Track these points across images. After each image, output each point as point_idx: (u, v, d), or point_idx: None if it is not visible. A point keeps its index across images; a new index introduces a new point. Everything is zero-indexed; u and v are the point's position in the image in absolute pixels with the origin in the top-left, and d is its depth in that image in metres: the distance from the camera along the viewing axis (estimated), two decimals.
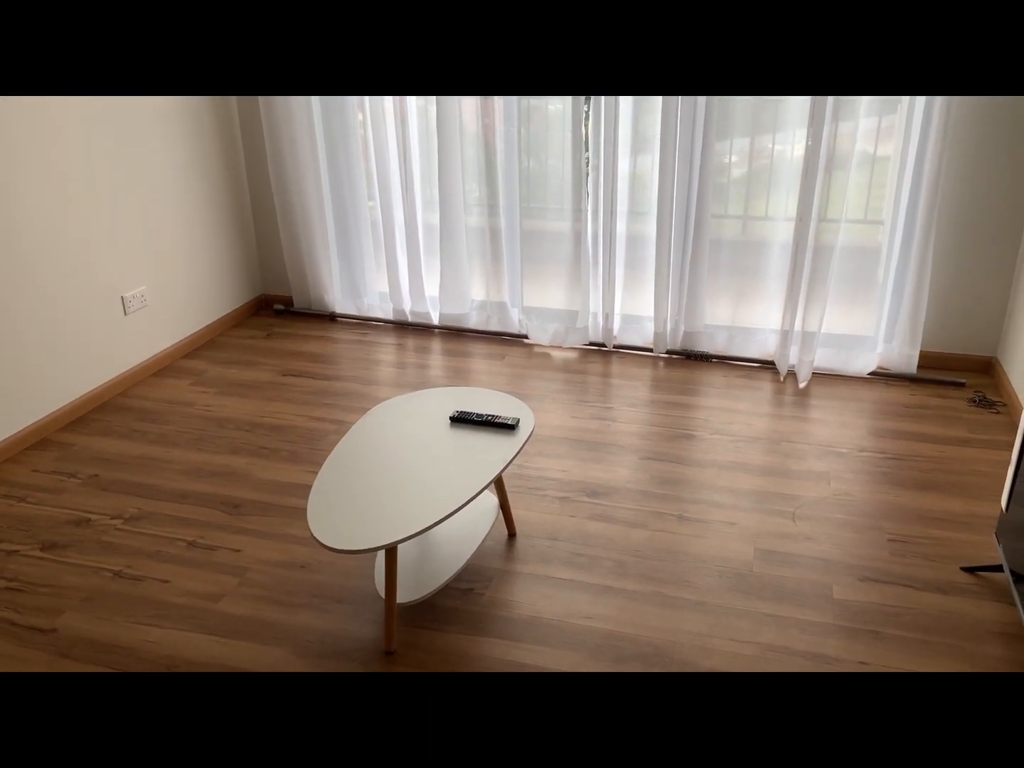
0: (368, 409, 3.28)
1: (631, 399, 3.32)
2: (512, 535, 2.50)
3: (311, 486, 2.76)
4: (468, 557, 2.24)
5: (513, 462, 2.12)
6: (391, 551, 1.96)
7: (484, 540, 2.35)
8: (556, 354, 3.74)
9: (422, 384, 3.47)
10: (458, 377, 3.53)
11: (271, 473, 2.87)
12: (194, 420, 3.23)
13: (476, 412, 2.35)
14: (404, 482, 2.04)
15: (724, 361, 3.64)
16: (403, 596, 2.11)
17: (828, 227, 3.27)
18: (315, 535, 1.85)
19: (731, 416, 3.18)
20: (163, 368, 3.66)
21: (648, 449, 2.96)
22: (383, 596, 2.14)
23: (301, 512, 2.65)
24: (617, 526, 2.54)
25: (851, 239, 3.40)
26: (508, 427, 2.28)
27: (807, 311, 3.39)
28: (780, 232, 3.44)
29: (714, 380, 3.47)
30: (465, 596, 2.26)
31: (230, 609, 2.24)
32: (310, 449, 3.01)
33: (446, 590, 2.29)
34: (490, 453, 2.16)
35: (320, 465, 2.91)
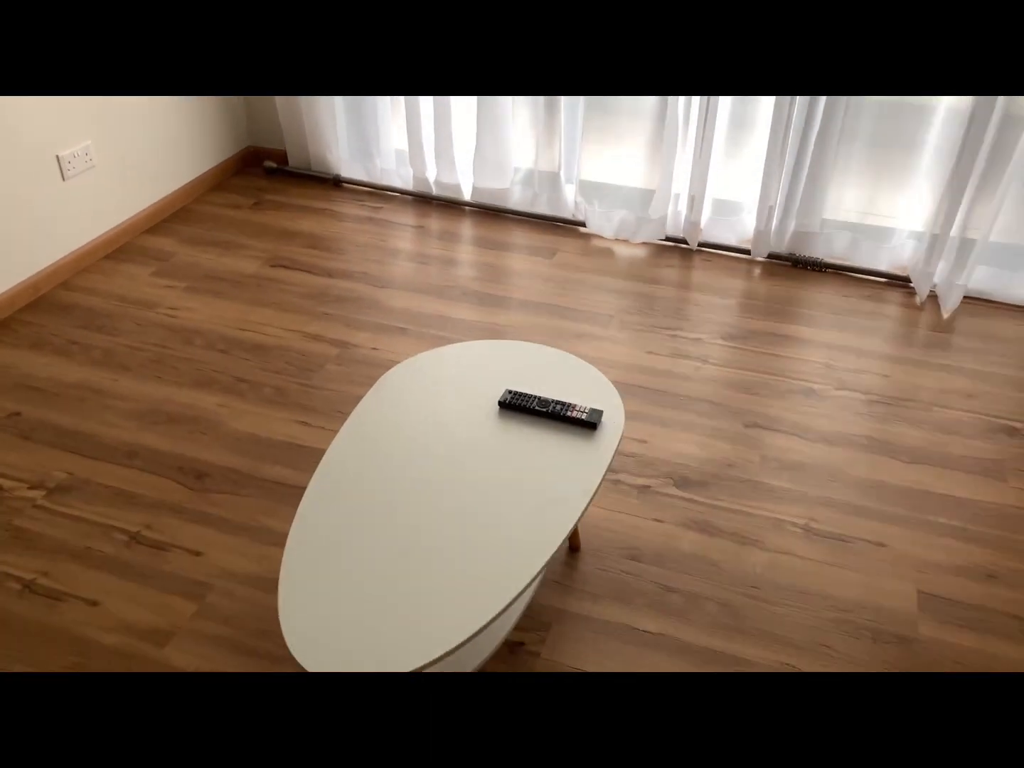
0: (378, 325, 2.50)
1: (723, 326, 2.53)
2: (575, 549, 1.81)
3: (298, 444, 2.04)
4: (520, 613, 1.56)
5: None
6: None
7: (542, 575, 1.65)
8: (622, 251, 2.91)
9: (446, 290, 2.68)
10: (494, 281, 2.73)
11: (249, 421, 2.14)
12: (153, 330, 2.47)
13: (537, 395, 1.59)
14: (426, 544, 1.31)
15: (841, 273, 2.81)
16: None
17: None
18: (291, 648, 1.14)
19: (859, 360, 2.40)
20: (119, 247, 2.86)
21: (753, 410, 2.20)
22: None
23: (285, 493, 1.94)
24: (722, 542, 1.83)
25: None
26: (585, 425, 1.53)
27: (972, 209, 2.52)
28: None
29: (830, 300, 2.66)
30: (513, 658, 1.59)
31: (180, 660, 1.59)
32: (302, 385, 2.27)
33: None
34: (560, 476, 1.42)
35: (314, 412, 2.17)
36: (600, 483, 1.42)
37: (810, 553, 1.81)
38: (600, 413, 1.54)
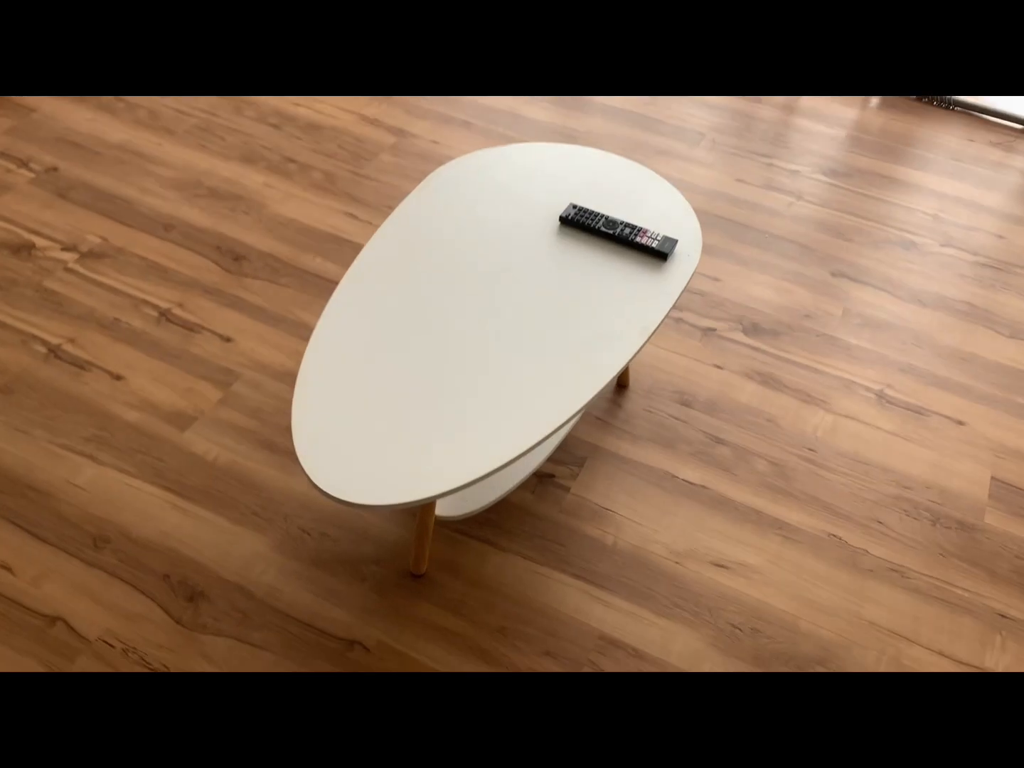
0: (441, 115, 2.28)
1: (826, 159, 2.25)
2: (623, 386, 1.68)
3: (343, 237, 1.90)
4: (555, 445, 1.46)
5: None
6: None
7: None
8: None
9: None
10: None
11: (293, 206, 2.00)
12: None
13: (605, 213, 1.40)
14: (461, 364, 1.19)
15: (971, 113, 2.46)
16: (445, 506, 1.36)
17: None
18: (303, 464, 1.05)
19: (972, 215, 2.13)
20: None
21: (843, 258, 1.98)
22: None
23: (325, 288, 1.83)
24: (783, 397, 1.68)
25: None
26: (655, 254, 1.35)
27: None
28: None
29: (951, 144, 2.35)
30: (542, 488, 1.51)
31: (200, 446, 1.54)
32: (353, 173, 2.10)
33: None
34: (618, 308, 1.26)
35: (363, 205, 2.01)
36: (661, 322, 1.26)
37: (880, 421, 1.66)
38: (674, 243, 1.35)
